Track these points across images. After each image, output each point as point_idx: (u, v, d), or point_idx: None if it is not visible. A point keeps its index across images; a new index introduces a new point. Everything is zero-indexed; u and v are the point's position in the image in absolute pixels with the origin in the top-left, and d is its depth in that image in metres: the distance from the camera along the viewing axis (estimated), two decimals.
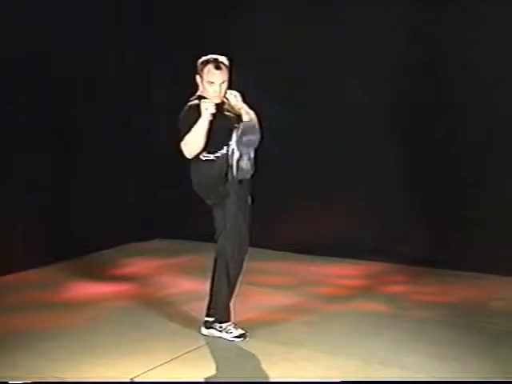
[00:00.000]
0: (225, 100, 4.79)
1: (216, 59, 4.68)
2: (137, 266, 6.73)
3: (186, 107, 4.71)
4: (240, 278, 4.91)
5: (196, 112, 4.61)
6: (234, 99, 4.77)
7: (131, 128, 7.23)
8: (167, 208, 7.33)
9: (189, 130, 4.59)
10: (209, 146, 4.66)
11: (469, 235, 6.34)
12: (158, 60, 7.35)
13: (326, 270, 6.53)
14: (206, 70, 4.67)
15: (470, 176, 6.33)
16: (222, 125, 4.67)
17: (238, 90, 4.85)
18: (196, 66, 4.74)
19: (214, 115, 4.60)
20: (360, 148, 6.77)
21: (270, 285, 6.07)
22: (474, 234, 6.32)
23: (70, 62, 6.73)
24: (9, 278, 6.24)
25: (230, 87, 4.79)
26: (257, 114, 4.84)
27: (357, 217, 6.80)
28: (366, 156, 6.76)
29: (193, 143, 4.61)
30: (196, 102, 4.70)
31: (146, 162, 7.34)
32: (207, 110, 4.57)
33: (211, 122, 4.60)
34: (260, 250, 6.85)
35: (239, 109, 4.78)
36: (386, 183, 6.67)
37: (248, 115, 4.78)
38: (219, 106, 4.71)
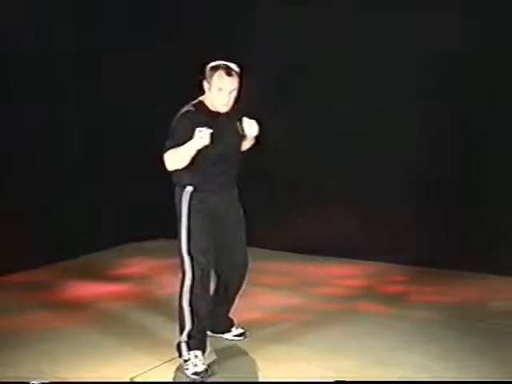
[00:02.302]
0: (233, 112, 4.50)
1: (227, 65, 4.37)
2: (137, 265, 6.74)
3: (180, 114, 4.41)
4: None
5: (189, 123, 4.29)
6: (249, 129, 4.48)
7: (132, 128, 7.23)
8: (168, 208, 7.31)
9: (176, 144, 4.27)
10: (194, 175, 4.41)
11: (469, 235, 6.34)
12: (159, 60, 7.34)
13: (326, 270, 6.53)
14: (215, 75, 4.34)
15: (470, 176, 6.33)
16: (214, 150, 4.31)
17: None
18: (203, 71, 4.42)
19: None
20: (360, 149, 6.77)
21: (270, 285, 6.07)
22: (474, 233, 6.31)
23: (70, 62, 6.73)
24: (9, 278, 6.24)
25: (238, 96, 4.45)
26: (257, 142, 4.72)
27: (357, 217, 6.80)
28: (366, 157, 6.75)
29: (175, 162, 4.31)
30: (192, 109, 4.40)
31: (146, 161, 7.33)
32: (202, 139, 4.19)
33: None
34: (260, 250, 6.85)
35: (249, 137, 4.57)
36: (386, 183, 6.67)
37: (249, 141, 4.63)
38: (224, 117, 4.43)
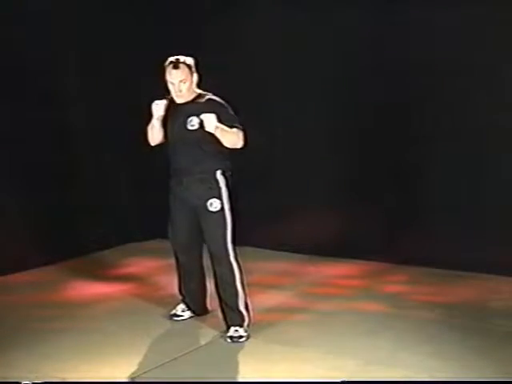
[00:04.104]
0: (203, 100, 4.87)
1: (177, 59, 4.81)
2: (137, 265, 6.73)
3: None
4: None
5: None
6: (206, 123, 4.73)
7: (131, 127, 7.22)
8: (167, 208, 7.31)
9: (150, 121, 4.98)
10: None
11: (469, 235, 6.33)
12: (157, 60, 7.34)
13: (325, 270, 6.52)
14: (166, 71, 4.82)
15: (470, 176, 6.33)
16: (168, 133, 4.92)
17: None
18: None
19: (165, 114, 4.90)
20: (359, 148, 6.77)
21: (270, 285, 6.07)
22: (474, 233, 6.31)
23: (70, 62, 6.74)
24: (9, 278, 6.24)
25: (199, 86, 4.89)
26: (245, 132, 4.86)
27: (356, 217, 6.80)
28: (365, 156, 6.76)
29: (149, 137, 5.05)
30: (164, 98, 4.92)
31: (145, 161, 7.33)
32: (155, 108, 4.88)
33: (166, 119, 4.91)
34: (260, 250, 6.86)
35: (213, 131, 4.77)
36: (385, 183, 6.67)
37: (224, 135, 4.77)
38: (183, 108, 4.84)
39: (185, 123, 4.83)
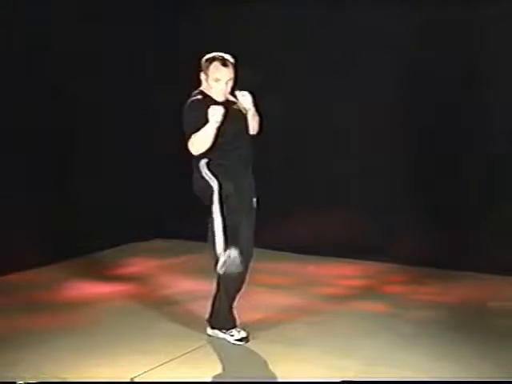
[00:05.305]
0: (233, 99, 4.77)
1: (222, 56, 4.65)
2: (137, 265, 6.73)
3: (189, 103, 4.66)
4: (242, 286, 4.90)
5: (200, 108, 4.55)
6: (243, 99, 4.71)
7: (132, 128, 7.23)
8: (167, 208, 7.33)
9: (195, 129, 4.54)
10: (211, 152, 4.62)
11: (469, 235, 6.34)
12: (158, 59, 7.35)
13: (326, 270, 6.53)
14: (211, 67, 4.63)
15: (470, 176, 6.33)
16: (227, 129, 4.61)
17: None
18: (200, 64, 4.68)
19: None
20: (361, 149, 6.77)
21: (270, 285, 6.07)
22: (474, 233, 6.32)
23: (71, 62, 6.73)
24: (9, 277, 6.24)
25: (234, 86, 4.75)
26: (261, 118, 4.85)
27: (357, 217, 6.80)
28: (366, 156, 6.76)
29: (200, 144, 4.56)
30: (199, 97, 4.66)
31: (146, 161, 7.34)
32: (213, 117, 4.49)
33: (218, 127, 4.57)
34: (260, 250, 6.84)
35: (248, 109, 4.76)
36: (386, 183, 6.67)
37: (253, 119, 4.78)
38: (225, 105, 4.65)
39: (242, 112, 4.74)
